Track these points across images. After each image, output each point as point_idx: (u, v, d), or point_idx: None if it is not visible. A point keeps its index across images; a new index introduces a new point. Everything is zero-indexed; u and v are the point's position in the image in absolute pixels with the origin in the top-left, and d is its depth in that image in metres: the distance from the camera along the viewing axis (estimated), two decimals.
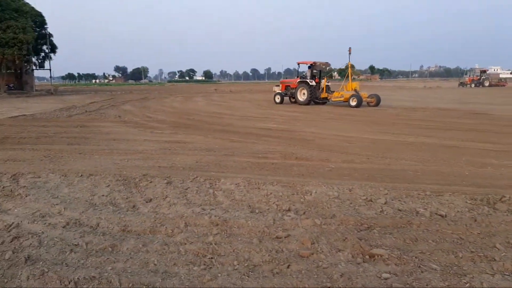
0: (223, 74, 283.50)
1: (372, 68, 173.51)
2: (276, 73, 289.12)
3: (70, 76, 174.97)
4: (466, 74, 64.37)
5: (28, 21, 39.64)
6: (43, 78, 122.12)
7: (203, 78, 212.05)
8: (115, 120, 15.47)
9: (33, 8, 43.58)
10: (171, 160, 7.71)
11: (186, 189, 5.63)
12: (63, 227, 4.21)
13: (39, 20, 45.38)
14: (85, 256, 3.55)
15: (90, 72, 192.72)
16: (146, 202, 5.11)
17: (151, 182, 5.99)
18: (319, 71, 23.26)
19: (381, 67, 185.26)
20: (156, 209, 4.83)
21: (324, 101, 22.71)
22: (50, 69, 49.25)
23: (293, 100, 23.47)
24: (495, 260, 3.31)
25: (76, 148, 9.17)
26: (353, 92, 20.65)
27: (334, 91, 22.14)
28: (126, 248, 3.68)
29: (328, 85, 22.58)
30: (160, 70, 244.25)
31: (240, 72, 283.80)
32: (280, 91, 24.11)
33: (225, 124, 14.16)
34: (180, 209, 4.74)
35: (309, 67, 22.94)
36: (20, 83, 45.38)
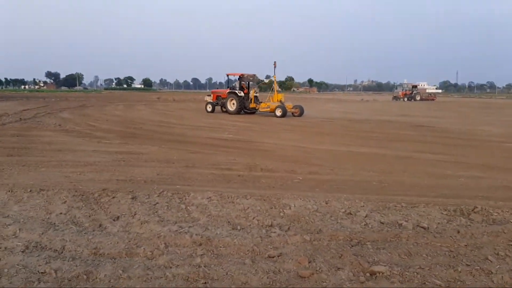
0: (163, 82, 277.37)
1: (310, 81, 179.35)
2: (218, 83, 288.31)
3: None
4: (396, 88, 68.47)
5: None
6: None
7: (142, 86, 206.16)
8: (55, 129, 14.36)
9: None
10: (129, 173, 7.18)
11: (155, 204, 5.21)
12: (23, 251, 3.66)
13: None
14: (57, 286, 3.08)
15: (19, 77, 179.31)
16: (113, 220, 4.64)
17: (113, 197, 5.48)
18: (247, 82, 24.51)
19: (318, 80, 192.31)
20: (127, 228, 4.39)
21: (253, 111, 23.75)
22: None
23: (224, 109, 24.25)
24: (492, 273, 3.32)
25: (18, 160, 8.28)
26: (279, 103, 22.00)
27: (261, 102, 23.44)
28: (103, 275, 3.24)
29: (256, 96, 23.78)
30: (96, 77, 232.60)
31: (181, 81, 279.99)
32: (211, 101, 25.08)
33: (177, 134, 13.68)
34: (155, 228, 4.34)
35: (238, 79, 24.32)
36: None
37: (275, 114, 21.60)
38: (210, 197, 5.50)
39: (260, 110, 23.04)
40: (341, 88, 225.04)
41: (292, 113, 22.27)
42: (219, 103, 24.59)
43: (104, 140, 11.63)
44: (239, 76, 24.02)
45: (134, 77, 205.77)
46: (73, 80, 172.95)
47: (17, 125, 15.35)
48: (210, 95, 25.83)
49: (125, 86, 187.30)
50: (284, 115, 21.25)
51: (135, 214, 4.80)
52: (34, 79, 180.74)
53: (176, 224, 4.48)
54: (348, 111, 29.64)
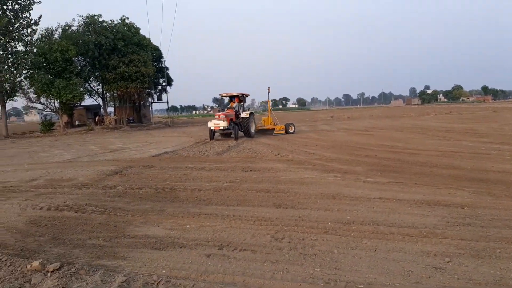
0: (314, 100, 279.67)
1: (485, 88, 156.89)
2: (370, 98, 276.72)
3: (173, 108, 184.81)
4: None
5: (149, 55, 39.90)
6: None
7: (296, 106, 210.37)
8: (278, 159, 12.18)
9: (150, 41, 44.20)
10: None
11: None
12: None
13: (156, 54, 46.09)
14: None
15: (191, 104, 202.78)
16: None
17: None
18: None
19: (490, 87, 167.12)
20: None
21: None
22: (167, 102, 49.97)
23: (230, 135, 21.36)
24: None
25: (322, 221, 5.68)
26: (286, 124, 23.73)
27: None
28: None
29: None
30: (253, 99, 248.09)
31: (332, 98, 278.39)
32: (227, 126, 20.19)
33: (448, 165, 9.81)
34: None
35: (232, 99, 22.95)
36: (138, 116, 46.09)
37: (286, 132, 23.03)
38: None
39: (275, 132, 22.71)
40: None
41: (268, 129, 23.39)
42: (234, 127, 20.44)
43: (359, 177, 8.75)
44: (245, 95, 23.11)
45: (288, 97, 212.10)
46: None
47: (233, 155, 13.78)
48: (223, 119, 20.06)
49: (280, 106, 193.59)
50: (294, 131, 23.45)
51: None
52: (203, 104, 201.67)
53: None
54: None
